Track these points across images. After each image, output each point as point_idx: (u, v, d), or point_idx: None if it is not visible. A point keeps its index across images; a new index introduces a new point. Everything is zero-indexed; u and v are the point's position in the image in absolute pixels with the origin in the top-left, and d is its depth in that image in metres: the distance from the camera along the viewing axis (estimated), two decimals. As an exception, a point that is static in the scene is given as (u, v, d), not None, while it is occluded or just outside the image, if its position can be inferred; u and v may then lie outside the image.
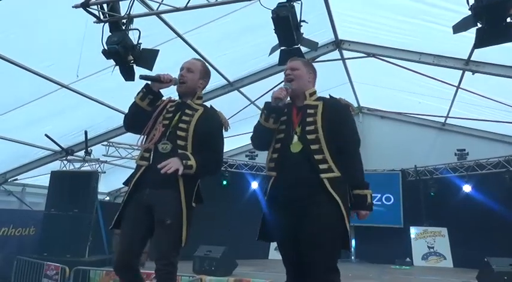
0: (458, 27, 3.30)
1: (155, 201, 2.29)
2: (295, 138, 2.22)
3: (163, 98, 2.59)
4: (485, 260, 5.62)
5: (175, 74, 2.65)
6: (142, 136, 2.45)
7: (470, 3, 3.12)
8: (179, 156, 2.30)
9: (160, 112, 2.50)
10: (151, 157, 2.35)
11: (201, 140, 2.42)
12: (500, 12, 2.99)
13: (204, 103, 2.68)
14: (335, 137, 2.20)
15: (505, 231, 8.09)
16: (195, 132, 2.41)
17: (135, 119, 2.46)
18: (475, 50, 5.64)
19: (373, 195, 2.30)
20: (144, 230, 2.32)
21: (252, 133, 2.44)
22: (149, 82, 2.44)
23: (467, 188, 9.44)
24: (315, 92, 2.41)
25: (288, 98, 2.37)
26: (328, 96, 2.44)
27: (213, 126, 2.50)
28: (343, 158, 2.19)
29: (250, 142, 2.51)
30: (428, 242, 9.47)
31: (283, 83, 2.42)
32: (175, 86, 2.56)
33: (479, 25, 3.16)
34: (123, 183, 2.53)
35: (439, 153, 9.95)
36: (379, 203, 10.03)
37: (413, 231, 9.69)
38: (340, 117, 2.26)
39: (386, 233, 9.45)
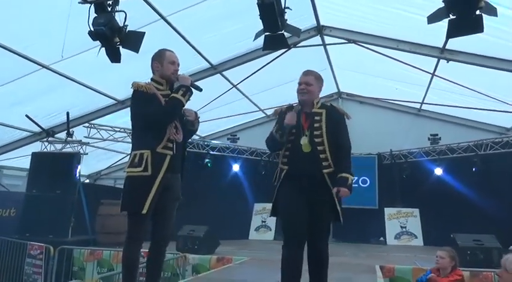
0: (432, 18, 3.51)
1: (172, 183, 2.67)
2: (305, 139, 2.80)
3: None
4: (451, 236, 6.02)
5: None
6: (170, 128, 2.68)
7: (444, -4, 3.32)
8: None
9: None
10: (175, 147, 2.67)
11: None
12: (470, 5, 3.21)
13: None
14: (334, 139, 2.82)
15: (472, 211, 8.59)
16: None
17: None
18: (450, 39, 5.90)
19: None
20: None
21: (267, 140, 3.01)
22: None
23: (438, 171, 9.90)
24: (319, 101, 2.97)
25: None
26: (328, 104, 3.01)
27: None
28: (339, 154, 2.81)
29: (266, 146, 3.08)
30: (401, 222, 9.94)
31: (298, 96, 2.96)
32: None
33: (451, 16, 3.38)
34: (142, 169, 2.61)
35: (414, 138, 10.35)
36: (356, 185, 10.37)
37: (387, 212, 10.14)
38: (339, 124, 2.89)
39: (362, 214, 9.83)
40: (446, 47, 6.42)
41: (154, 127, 2.61)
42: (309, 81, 2.90)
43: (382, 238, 9.87)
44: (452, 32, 3.49)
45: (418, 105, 10.41)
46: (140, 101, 2.65)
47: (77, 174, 7.84)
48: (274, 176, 2.95)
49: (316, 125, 2.83)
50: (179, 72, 2.81)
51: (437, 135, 9.95)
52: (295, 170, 2.79)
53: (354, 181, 2.90)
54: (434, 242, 7.88)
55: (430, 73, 7.76)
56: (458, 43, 6.04)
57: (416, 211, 9.99)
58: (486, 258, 5.53)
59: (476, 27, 3.35)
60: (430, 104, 9.77)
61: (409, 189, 10.07)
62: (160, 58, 2.78)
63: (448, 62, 6.67)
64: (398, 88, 9.29)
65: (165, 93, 2.71)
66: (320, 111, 2.89)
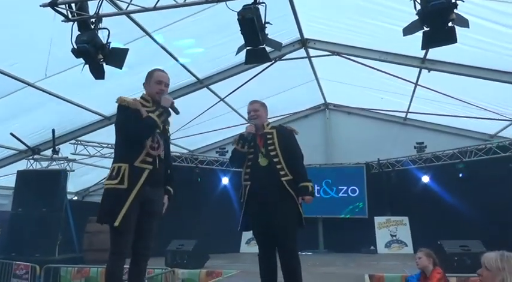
0: (408, 30, 3.64)
1: (152, 197, 2.70)
2: (261, 156, 3.25)
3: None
4: (439, 242, 6.09)
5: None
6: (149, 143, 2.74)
7: (417, 9, 3.45)
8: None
9: None
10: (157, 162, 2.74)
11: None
12: (443, 17, 3.33)
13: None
14: (287, 152, 3.26)
15: (458, 217, 8.71)
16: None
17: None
18: (430, 50, 6.06)
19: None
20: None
21: (231, 158, 3.51)
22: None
23: (425, 179, 10.02)
24: (268, 123, 3.49)
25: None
26: (276, 125, 3.58)
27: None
28: (293, 164, 3.24)
29: (229, 164, 3.52)
30: (391, 230, 10.00)
31: (249, 121, 3.46)
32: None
33: (425, 28, 3.50)
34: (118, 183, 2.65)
35: (401, 146, 10.47)
36: (345, 195, 10.46)
37: (377, 221, 10.19)
38: (289, 139, 3.36)
39: (352, 224, 9.89)
40: (427, 57, 6.60)
41: (132, 141, 2.67)
42: (256, 108, 3.41)
43: (372, 247, 9.90)
44: (426, 43, 3.61)
45: (403, 115, 10.57)
46: (122, 115, 2.73)
47: (64, 192, 7.77)
48: (239, 194, 3.32)
49: (269, 141, 3.30)
50: (167, 93, 2.93)
51: (423, 143, 10.10)
52: (257, 182, 3.18)
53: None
54: (424, 250, 7.94)
55: (413, 83, 7.92)
56: (438, 53, 6.21)
57: (405, 219, 10.07)
58: (473, 263, 5.57)
59: (450, 38, 3.48)
60: (415, 113, 9.94)
61: (397, 197, 10.16)
62: (149, 77, 2.94)
63: (429, 71, 6.85)
64: (383, 98, 9.44)
65: (150, 111, 2.78)
66: (271, 131, 3.37)
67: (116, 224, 2.48)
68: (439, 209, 9.10)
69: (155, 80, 2.89)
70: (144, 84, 2.95)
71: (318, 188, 10.34)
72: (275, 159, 3.20)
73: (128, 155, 2.66)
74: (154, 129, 2.75)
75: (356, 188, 10.57)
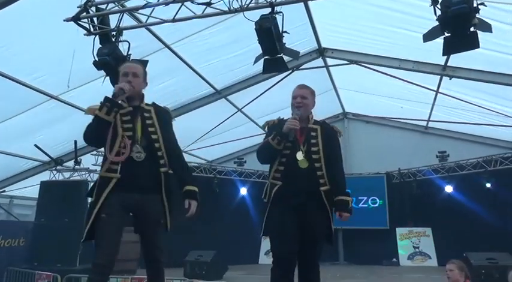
0: (428, 36, 3.57)
1: (143, 205, 2.48)
2: (301, 155, 2.70)
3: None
4: (464, 255, 5.87)
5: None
6: (108, 148, 2.47)
7: (438, 14, 3.39)
8: (195, 198, 2.59)
9: (114, 123, 2.52)
10: (120, 169, 2.45)
11: (166, 135, 2.64)
12: (464, 22, 3.26)
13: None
14: (330, 157, 2.77)
15: (484, 228, 8.41)
16: (161, 129, 2.62)
17: (100, 133, 2.50)
18: (452, 56, 5.94)
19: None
20: (121, 232, 2.49)
21: (260, 150, 2.85)
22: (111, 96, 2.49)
23: (448, 189, 9.75)
24: (313, 116, 2.92)
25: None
26: (321, 121, 2.95)
27: (168, 118, 2.75)
28: (334, 173, 2.76)
29: (256, 156, 2.88)
30: (414, 242, 9.74)
31: (293, 110, 2.85)
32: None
33: (446, 34, 3.43)
34: (87, 195, 2.61)
35: (422, 155, 10.26)
36: (365, 205, 10.28)
37: (398, 232, 9.94)
38: (334, 142, 2.85)
39: (373, 235, 9.68)
40: (448, 63, 6.46)
41: (93, 149, 2.61)
42: (305, 95, 2.85)
43: (394, 259, 9.64)
44: (448, 49, 3.54)
45: (424, 123, 10.38)
46: None
47: (85, 202, 7.87)
48: (264, 192, 2.81)
49: (313, 140, 2.77)
50: (138, 82, 2.62)
51: (445, 152, 9.85)
52: (290, 186, 2.66)
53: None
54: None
55: (434, 90, 7.78)
56: (459, 59, 6.07)
57: (428, 230, 9.79)
58: (501, 277, 5.37)
59: (472, 43, 3.39)
60: (436, 121, 9.74)
61: (420, 208, 9.91)
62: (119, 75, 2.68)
63: (450, 78, 6.69)
64: (403, 107, 9.30)
65: (126, 111, 2.57)
66: (315, 127, 2.84)
67: (82, 240, 2.42)
68: (464, 220, 8.81)
69: (122, 74, 2.61)
70: None
71: (338, 198, 10.14)
72: (317, 164, 2.71)
73: (101, 165, 2.55)
74: (92, 128, 2.46)
75: (376, 198, 10.38)
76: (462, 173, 9.60)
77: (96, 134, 2.51)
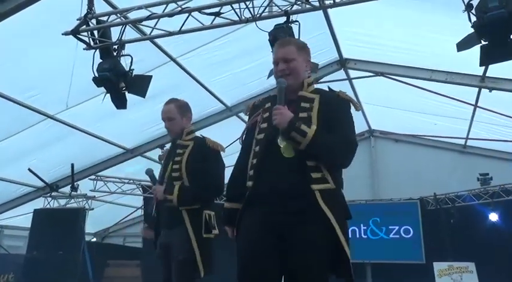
0: (462, 45, 3.57)
1: (168, 240, 2.90)
2: (282, 140, 1.95)
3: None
4: (515, 295, 5.68)
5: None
6: None
7: (473, 21, 3.40)
8: (165, 189, 2.93)
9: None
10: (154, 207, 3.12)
11: (193, 171, 2.93)
12: (503, 29, 3.26)
13: (195, 133, 3.21)
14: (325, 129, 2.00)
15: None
16: (187, 166, 2.94)
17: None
18: (491, 66, 5.89)
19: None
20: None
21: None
22: None
23: (493, 217, 9.49)
24: (312, 81, 2.23)
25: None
26: (327, 89, 2.26)
27: (207, 154, 3.01)
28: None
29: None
30: (455, 279, 9.41)
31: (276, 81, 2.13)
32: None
33: (483, 42, 3.43)
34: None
35: (461, 178, 10.05)
36: (397, 236, 10.05)
37: (436, 267, 9.66)
38: (340, 113, 2.10)
39: (407, 270, 9.42)
40: (487, 74, 6.40)
41: None
42: (289, 56, 2.13)
43: (433, 299, 9.36)
44: (485, 59, 3.52)
45: (462, 141, 10.23)
46: None
47: (82, 232, 7.94)
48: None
49: (302, 114, 2.01)
50: (172, 126, 3.13)
51: (487, 174, 9.63)
52: (265, 185, 1.97)
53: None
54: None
55: (472, 104, 7.69)
56: (500, 69, 6.01)
57: (471, 265, 9.47)
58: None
59: (513, 52, 3.38)
60: (476, 139, 9.60)
61: (460, 239, 9.63)
62: None
63: (490, 91, 6.62)
64: (437, 123, 9.22)
65: (166, 150, 3.45)
66: (311, 97, 2.10)
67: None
68: (512, 253, 8.54)
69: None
70: None
71: (365, 228, 9.97)
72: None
73: None
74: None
75: (409, 228, 10.13)
76: (508, 199, 9.36)
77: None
